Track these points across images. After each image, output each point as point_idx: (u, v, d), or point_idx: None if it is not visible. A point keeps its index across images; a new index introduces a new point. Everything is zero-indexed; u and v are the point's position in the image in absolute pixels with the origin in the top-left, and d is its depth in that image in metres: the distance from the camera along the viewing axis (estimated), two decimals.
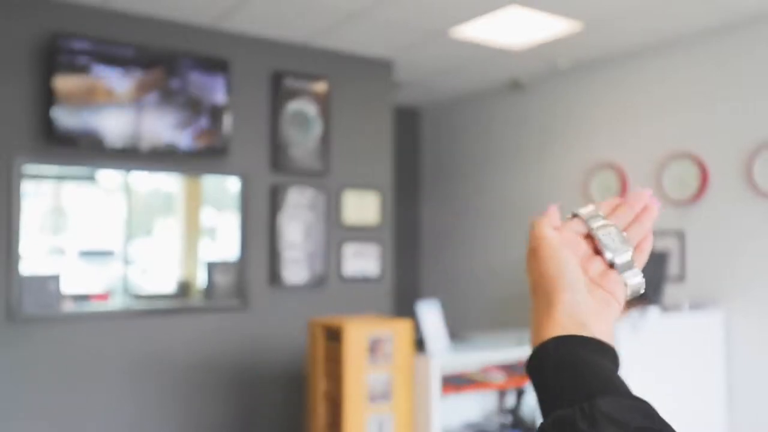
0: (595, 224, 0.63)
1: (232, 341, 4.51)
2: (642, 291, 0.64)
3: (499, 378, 3.49)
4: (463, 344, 3.79)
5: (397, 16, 4.30)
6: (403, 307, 5.26)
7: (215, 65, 4.37)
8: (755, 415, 4.18)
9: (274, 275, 4.65)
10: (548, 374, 0.57)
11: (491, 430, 3.66)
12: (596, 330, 0.59)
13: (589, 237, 0.64)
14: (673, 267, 4.49)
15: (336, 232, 4.94)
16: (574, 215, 0.65)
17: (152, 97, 4.16)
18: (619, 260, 0.63)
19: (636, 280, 0.63)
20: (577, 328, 0.58)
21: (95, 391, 4.06)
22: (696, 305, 4.37)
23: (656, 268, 4.21)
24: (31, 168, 4.05)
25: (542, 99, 5.70)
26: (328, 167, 4.89)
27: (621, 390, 0.54)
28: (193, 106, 4.28)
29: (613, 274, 0.63)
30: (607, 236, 0.62)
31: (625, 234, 0.63)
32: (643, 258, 0.65)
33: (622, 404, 0.52)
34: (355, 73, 5.10)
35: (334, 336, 3.27)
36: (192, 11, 4.23)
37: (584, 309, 0.60)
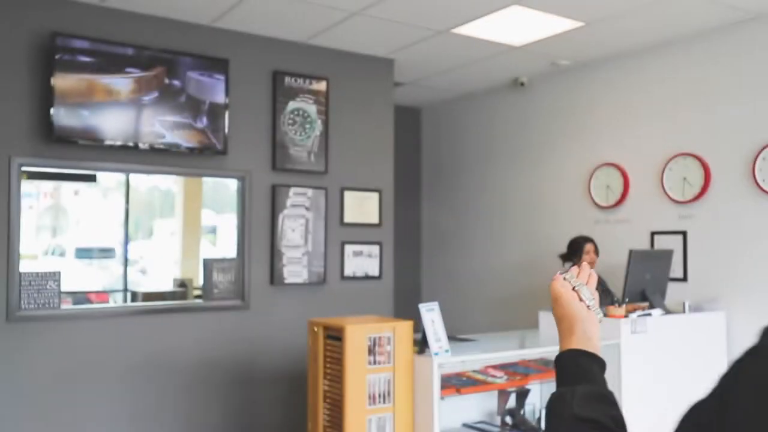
0: (576, 284, 1.10)
1: (233, 341, 4.50)
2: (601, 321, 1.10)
3: (500, 378, 3.48)
4: (463, 344, 3.78)
5: (398, 16, 4.29)
6: (403, 307, 5.25)
7: (215, 64, 4.36)
8: None
9: (274, 275, 4.64)
10: (562, 370, 0.99)
11: (491, 431, 3.65)
12: (595, 340, 1.03)
13: (574, 290, 1.10)
14: (675, 268, 4.47)
15: (336, 232, 4.93)
16: (564, 278, 1.11)
17: (151, 96, 4.15)
18: (591, 304, 1.08)
19: (600, 315, 1.09)
20: (585, 341, 1.02)
21: (94, 390, 4.05)
22: (697, 306, 4.35)
23: (659, 269, 4.20)
24: (30, 167, 4.04)
25: (543, 98, 5.69)
26: (328, 167, 4.88)
27: (598, 382, 0.96)
28: (192, 106, 4.28)
29: (591, 312, 1.08)
30: (584, 291, 1.08)
31: (590, 288, 1.10)
32: (597, 304, 1.10)
33: (593, 389, 0.93)
34: (355, 71, 5.09)
35: (334, 336, 3.26)
36: (192, 10, 4.22)
37: (589, 330, 1.04)
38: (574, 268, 1.13)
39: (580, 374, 0.96)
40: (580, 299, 1.09)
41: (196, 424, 4.37)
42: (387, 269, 5.16)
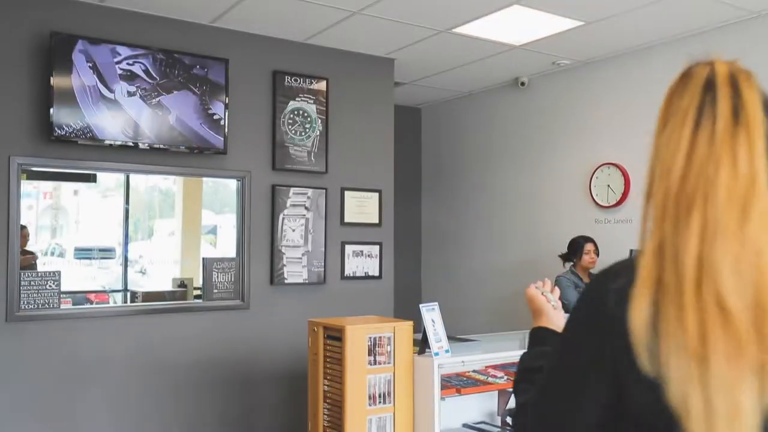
0: (544, 291, 1.46)
1: (232, 341, 4.50)
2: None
3: (500, 378, 3.48)
4: (463, 344, 3.78)
5: (398, 15, 4.28)
6: (403, 307, 5.25)
7: (215, 64, 4.35)
8: None
9: (274, 275, 4.63)
10: (530, 340, 1.37)
11: (492, 431, 3.64)
12: (558, 323, 1.37)
13: (543, 295, 1.46)
14: None
15: (336, 232, 4.92)
16: (536, 287, 1.48)
17: (151, 95, 4.14)
18: (555, 305, 1.43)
19: (562, 312, 1.41)
20: (549, 323, 1.39)
21: (94, 390, 4.05)
22: None
23: None
24: (30, 166, 4.04)
25: (544, 98, 5.68)
26: (328, 167, 4.88)
27: (551, 346, 1.24)
28: (192, 105, 4.27)
29: (556, 308, 1.44)
30: (549, 296, 1.44)
31: (554, 295, 1.46)
32: (559, 305, 1.45)
33: (544, 349, 1.26)
34: (355, 71, 5.08)
35: (334, 336, 3.26)
36: (191, 10, 4.22)
37: (554, 317, 1.40)
38: (540, 282, 1.53)
39: (540, 340, 1.35)
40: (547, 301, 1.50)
41: (196, 423, 4.37)
42: (387, 269, 5.16)
